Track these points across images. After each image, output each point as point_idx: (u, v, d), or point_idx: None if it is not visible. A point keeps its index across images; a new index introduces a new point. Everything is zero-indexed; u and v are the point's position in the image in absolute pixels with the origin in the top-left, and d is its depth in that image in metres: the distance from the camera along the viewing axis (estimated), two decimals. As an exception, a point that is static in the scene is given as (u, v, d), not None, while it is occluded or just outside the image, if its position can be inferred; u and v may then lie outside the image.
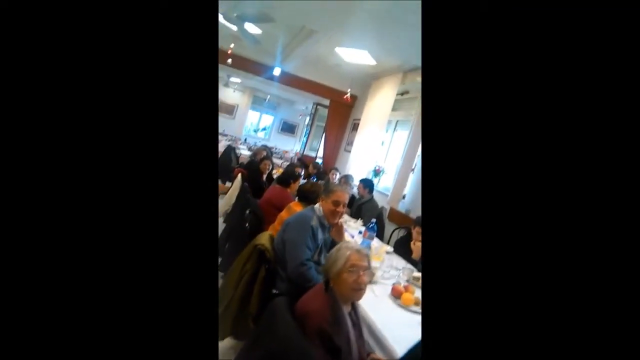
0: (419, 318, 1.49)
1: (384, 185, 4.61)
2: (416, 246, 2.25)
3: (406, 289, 1.67)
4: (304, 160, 5.63)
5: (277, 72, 5.47)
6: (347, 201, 1.89)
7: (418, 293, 1.68)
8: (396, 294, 1.63)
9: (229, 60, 4.89)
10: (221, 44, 4.50)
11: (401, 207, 3.82)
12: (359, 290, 1.20)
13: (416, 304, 1.58)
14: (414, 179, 3.82)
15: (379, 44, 3.67)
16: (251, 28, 3.77)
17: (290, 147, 10.00)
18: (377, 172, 4.70)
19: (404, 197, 3.89)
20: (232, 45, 4.72)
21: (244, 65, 5.43)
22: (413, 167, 3.86)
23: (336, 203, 1.81)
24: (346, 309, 1.19)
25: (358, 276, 1.19)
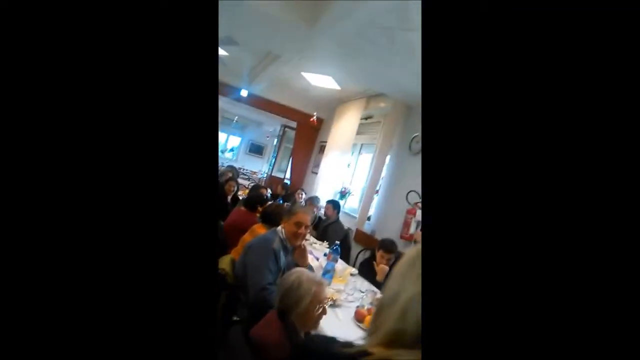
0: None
1: (350, 206, 4.66)
2: (380, 268, 2.28)
3: (369, 312, 1.67)
4: (269, 182, 5.58)
5: (244, 93, 5.49)
6: (309, 222, 1.89)
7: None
8: (359, 318, 1.63)
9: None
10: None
11: (367, 228, 3.87)
12: (319, 321, 1.20)
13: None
14: (378, 201, 3.90)
15: (341, 71, 3.80)
16: (217, 50, 3.79)
17: (259, 168, 9.91)
18: (343, 194, 4.76)
19: (369, 218, 3.95)
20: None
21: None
22: (377, 189, 3.95)
23: (298, 225, 1.80)
24: (301, 334, 1.17)
25: (322, 309, 1.18)
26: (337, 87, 4.45)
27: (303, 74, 4.27)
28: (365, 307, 1.72)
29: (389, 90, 3.83)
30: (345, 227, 3.60)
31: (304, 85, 4.81)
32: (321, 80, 4.32)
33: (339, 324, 1.56)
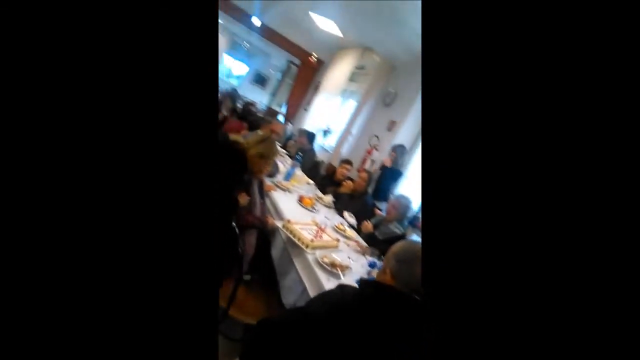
0: (308, 213, 2.24)
1: (329, 144, 5.31)
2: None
3: (309, 199, 2.41)
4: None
5: (255, 21, 5.77)
6: (280, 132, 2.55)
7: (315, 204, 2.43)
8: (300, 200, 2.37)
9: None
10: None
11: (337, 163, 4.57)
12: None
13: (312, 205, 2.34)
14: (350, 142, 4.57)
15: (344, 18, 4.21)
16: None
17: (259, 99, 10.27)
18: (325, 132, 5.38)
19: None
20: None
21: (224, 6, 5.62)
22: (351, 131, 4.59)
23: (272, 131, 2.48)
24: (255, 182, 1.86)
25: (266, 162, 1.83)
26: (339, 34, 4.86)
27: (311, 13, 4.64)
28: (308, 196, 2.45)
29: (381, 48, 4.30)
30: (319, 159, 4.27)
31: (310, 26, 5.16)
32: (326, 24, 4.71)
33: (286, 199, 2.29)
